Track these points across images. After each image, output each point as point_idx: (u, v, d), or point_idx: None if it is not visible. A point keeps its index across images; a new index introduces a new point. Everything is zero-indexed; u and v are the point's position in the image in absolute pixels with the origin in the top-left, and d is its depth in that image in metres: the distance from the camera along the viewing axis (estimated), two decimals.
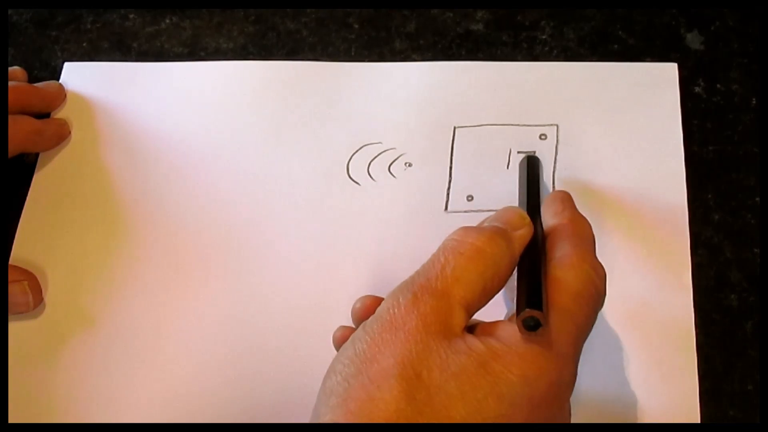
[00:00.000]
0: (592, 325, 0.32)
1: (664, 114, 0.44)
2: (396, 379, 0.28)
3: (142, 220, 0.45)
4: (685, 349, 0.38)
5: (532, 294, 0.30)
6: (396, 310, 0.30)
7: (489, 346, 0.29)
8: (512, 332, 0.30)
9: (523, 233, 0.33)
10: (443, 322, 0.30)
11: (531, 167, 0.41)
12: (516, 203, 0.38)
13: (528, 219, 0.34)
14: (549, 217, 0.36)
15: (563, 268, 0.32)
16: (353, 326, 0.33)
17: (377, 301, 0.32)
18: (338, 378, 0.29)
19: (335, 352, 0.32)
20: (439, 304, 0.30)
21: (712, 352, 0.38)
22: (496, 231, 0.33)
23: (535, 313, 0.29)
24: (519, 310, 0.30)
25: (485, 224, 0.34)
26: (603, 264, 0.33)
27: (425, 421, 0.27)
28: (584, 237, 0.34)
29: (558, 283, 0.31)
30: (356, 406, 0.28)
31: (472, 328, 0.31)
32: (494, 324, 0.31)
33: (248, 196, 0.45)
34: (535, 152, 0.43)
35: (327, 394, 0.29)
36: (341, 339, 0.33)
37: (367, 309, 0.32)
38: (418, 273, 0.32)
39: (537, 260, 0.33)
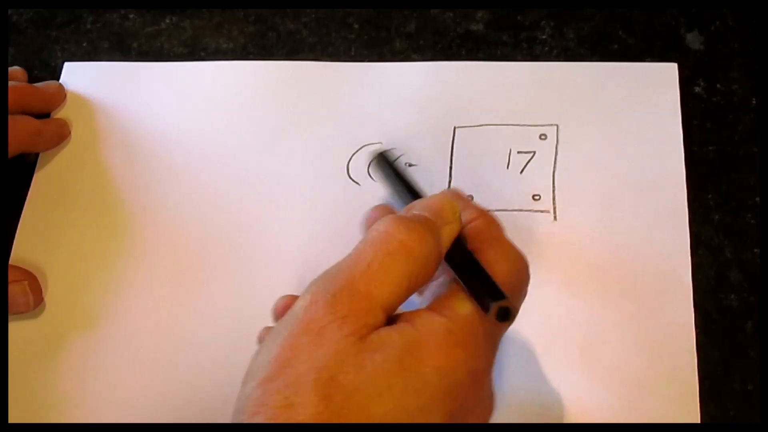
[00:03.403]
0: (517, 313, 0.32)
1: (664, 114, 0.44)
2: (312, 384, 0.27)
3: (141, 220, 0.45)
4: (685, 349, 0.38)
5: (490, 286, 0.30)
6: (312, 310, 0.29)
7: (405, 338, 0.29)
8: (432, 321, 0.30)
9: (452, 228, 0.32)
10: (360, 324, 0.29)
11: (390, 162, 0.40)
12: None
13: (458, 213, 0.33)
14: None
15: (489, 262, 0.32)
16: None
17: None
18: (253, 384, 0.28)
19: None
20: (358, 307, 0.29)
21: (712, 352, 0.38)
22: (426, 227, 0.31)
23: (506, 302, 0.29)
24: (482, 302, 0.29)
25: (415, 212, 0.33)
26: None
27: (345, 422, 0.27)
28: (500, 230, 0.34)
29: None
30: (275, 413, 0.27)
31: (392, 318, 0.30)
32: (415, 313, 0.30)
33: (248, 197, 0.45)
34: (392, 150, 0.42)
35: (243, 400, 0.28)
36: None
37: (288, 309, 0.31)
38: (340, 269, 0.30)
39: (470, 253, 0.32)
